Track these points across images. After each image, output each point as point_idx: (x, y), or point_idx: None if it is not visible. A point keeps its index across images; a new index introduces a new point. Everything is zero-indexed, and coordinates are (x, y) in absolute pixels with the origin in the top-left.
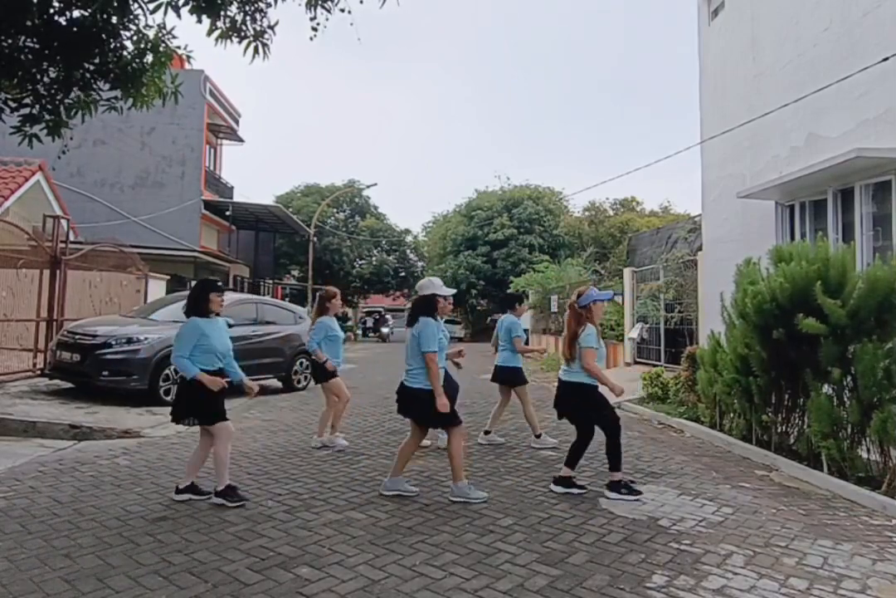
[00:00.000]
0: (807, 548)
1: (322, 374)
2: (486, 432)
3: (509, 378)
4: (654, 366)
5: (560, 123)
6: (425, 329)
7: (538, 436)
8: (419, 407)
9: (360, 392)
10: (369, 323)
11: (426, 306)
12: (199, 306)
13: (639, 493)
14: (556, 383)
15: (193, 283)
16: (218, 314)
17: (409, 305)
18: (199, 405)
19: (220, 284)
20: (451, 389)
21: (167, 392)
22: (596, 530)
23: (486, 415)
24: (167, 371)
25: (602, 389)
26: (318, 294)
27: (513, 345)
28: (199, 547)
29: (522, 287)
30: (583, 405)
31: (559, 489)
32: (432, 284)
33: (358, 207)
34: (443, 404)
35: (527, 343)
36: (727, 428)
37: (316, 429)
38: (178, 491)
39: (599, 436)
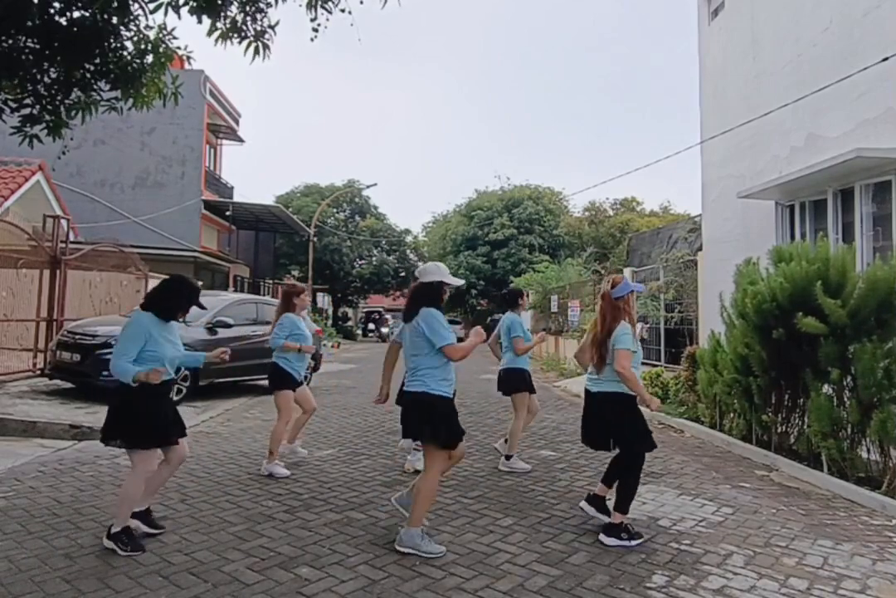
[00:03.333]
0: (807, 548)
1: (276, 380)
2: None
3: (514, 384)
4: (654, 366)
5: (560, 123)
6: (431, 320)
7: (509, 458)
8: (425, 416)
9: (360, 392)
10: (370, 326)
11: (430, 295)
12: (161, 303)
13: (640, 537)
14: (557, 384)
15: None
16: (184, 321)
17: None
18: (133, 421)
19: (199, 284)
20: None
21: None
22: (596, 530)
23: (486, 414)
24: None
25: None
26: (282, 289)
27: (514, 346)
28: (199, 547)
29: (522, 287)
30: (620, 419)
31: (591, 511)
32: (438, 270)
33: (358, 207)
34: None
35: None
36: (727, 428)
37: (306, 437)
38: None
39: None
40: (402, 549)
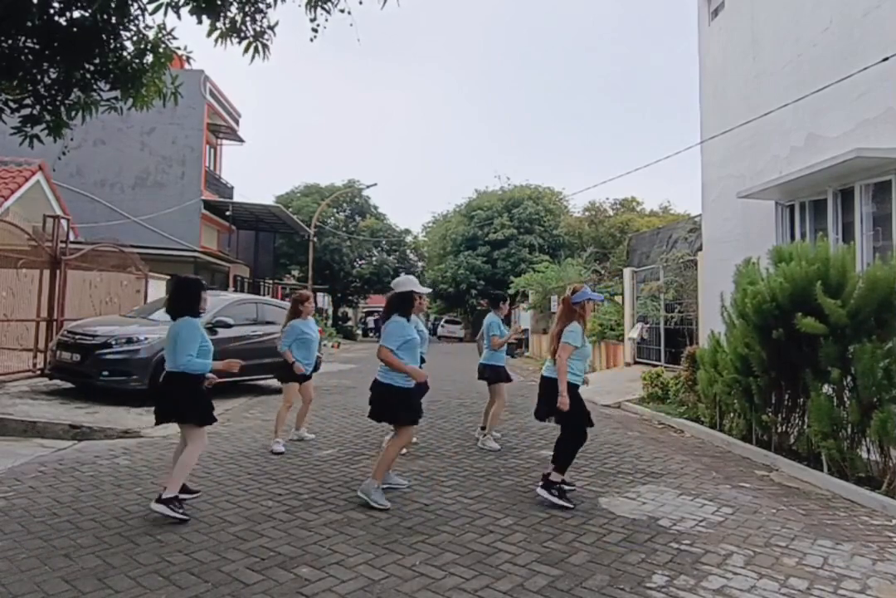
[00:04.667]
0: (807, 548)
1: (285, 374)
2: (483, 428)
3: (491, 375)
4: (654, 366)
5: (560, 123)
6: (391, 326)
7: (484, 430)
8: (383, 401)
9: (360, 392)
10: (370, 323)
11: (402, 303)
12: (193, 307)
13: (568, 502)
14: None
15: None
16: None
17: None
18: (193, 404)
19: (204, 282)
20: (417, 388)
21: None
22: (596, 530)
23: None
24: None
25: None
26: (291, 297)
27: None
28: (199, 547)
29: (522, 287)
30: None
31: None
32: (409, 282)
33: (358, 207)
34: (419, 375)
35: (526, 345)
36: (727, 428)
37: (305, 429)
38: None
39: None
40: (360, 495)
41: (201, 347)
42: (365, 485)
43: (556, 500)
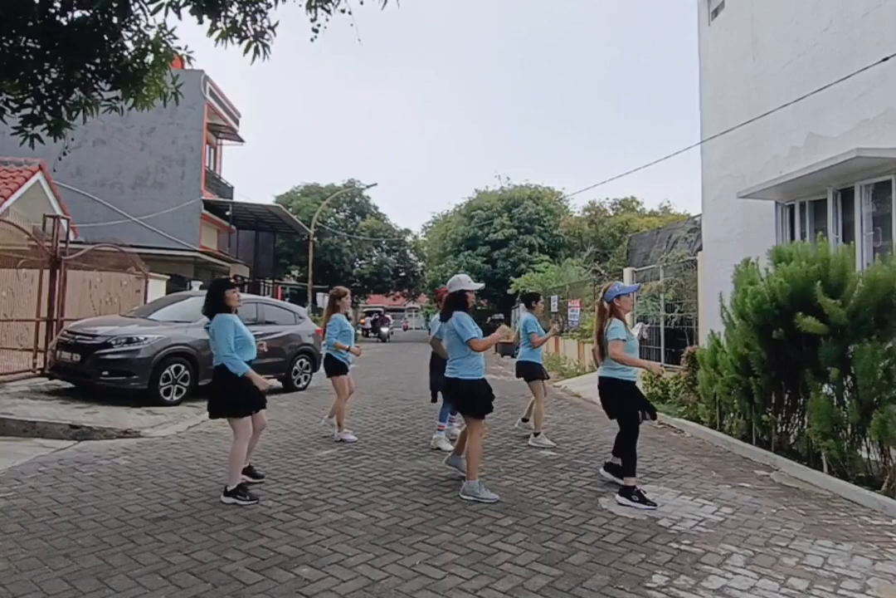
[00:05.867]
0: (807, 548)
1: (333, 369)
2: (525, 420)
3: (527, 373)
4: None
5: (560, 124)
6: (461, 320)
7: (536, 435)
8: (459, 396)
9: (361, 392)
10: (367, 323)
11: (457, 302)
12: (220, 304)
13: (652, 504)
14: (557, 384)
15: (193, 283)
16: (236, 311)
17: (408, 304)
18: (229, 396)
19: (232, 281)
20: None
21: (167, 392)
22: (596, 530)
23: (488, 415)
24: (167, 371)
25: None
26: (329, 293)
27: (530, 341)
28: (199, 547)
29: (522, 287)
30: (614, 399)
31: (608, 476)
32: (459, 282)
33: (358, 207)
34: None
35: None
36: (727, 428)
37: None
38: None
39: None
40: (465, 497)
41: (237, 338)
42: (467, 488)
43: (639, 505)
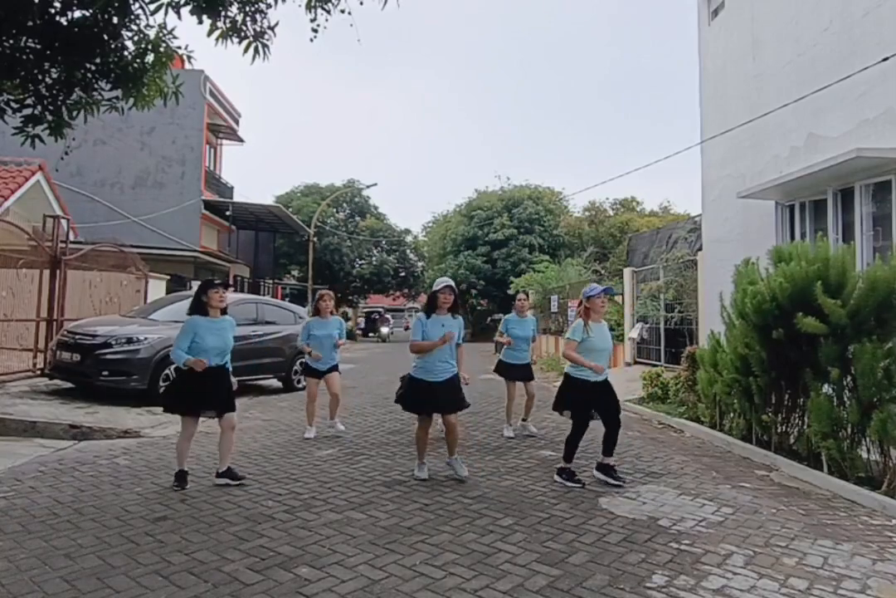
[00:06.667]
0: (807, 548)
1: (304, 369)
2: (524, 420)
3: (498, 370)
4: (654, 366)
5: (560, 124)
6: (413, 322)
7: (525, 421)
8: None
9: (361, 392)
10: (363, 323)
11: (428, 303)
12: (198, 305)
13: (580, 483)
14: (556, 384)
15: (193, 283)
16: (224, 311)
17: (408, 304)
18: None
19: (217, 281)
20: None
21: None
22: (596, 530)
23: (486, 414)
24: (167, 371)
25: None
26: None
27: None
28: (199, 547)
29: (522, 287)
30: (565, 393)
31: (600, 476)
32: (435, 284)
33: (358, 207)
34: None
35: (533, 340)
36: (727, 428)
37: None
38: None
39: (599, 435)
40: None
41: (194, 344)
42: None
43: (568, 483)
